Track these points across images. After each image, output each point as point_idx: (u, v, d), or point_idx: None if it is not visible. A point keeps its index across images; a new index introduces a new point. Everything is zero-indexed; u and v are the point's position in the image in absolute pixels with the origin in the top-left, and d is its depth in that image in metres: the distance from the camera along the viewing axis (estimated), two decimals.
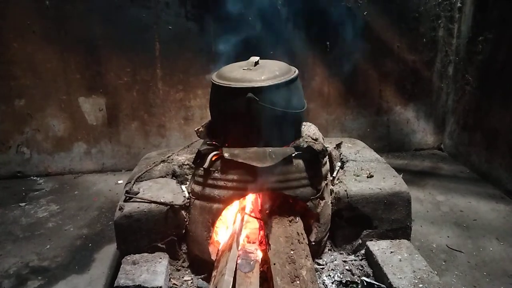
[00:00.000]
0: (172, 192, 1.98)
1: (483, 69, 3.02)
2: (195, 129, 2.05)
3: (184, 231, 1.94)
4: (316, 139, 1.99)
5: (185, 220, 1.94)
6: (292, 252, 1.69)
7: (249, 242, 1.93)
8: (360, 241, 2.04)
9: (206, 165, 1.83)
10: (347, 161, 2.31)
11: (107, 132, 3.26)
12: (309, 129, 2.12)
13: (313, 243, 1.91)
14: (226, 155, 1.78)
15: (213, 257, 1.88)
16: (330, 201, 2.01)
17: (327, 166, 2.07)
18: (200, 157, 1.89)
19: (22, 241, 2.40)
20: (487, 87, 2.99)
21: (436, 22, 3.29)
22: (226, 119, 1.90)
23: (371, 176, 2.12)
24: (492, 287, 1.91)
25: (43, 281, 2.06)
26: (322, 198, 1.92)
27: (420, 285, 1.68)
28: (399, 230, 2.04)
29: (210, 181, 1.84)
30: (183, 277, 1.92)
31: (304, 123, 2.14)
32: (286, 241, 1.74)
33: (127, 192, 1.96)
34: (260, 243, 1.89)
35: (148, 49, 3.11)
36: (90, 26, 3.02)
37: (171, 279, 1.87)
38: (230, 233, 1.91)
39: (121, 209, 1.88)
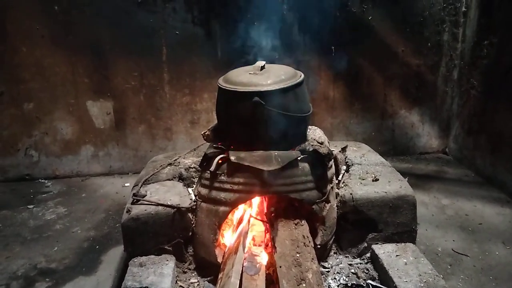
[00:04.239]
0: (179, 195, 2.00)
1: (488, 73, 3.03)
2: (202, 133, 2.07)
3: (190, 233, 1.96)
4: (321, 143, 2.00)
5: (192, 222, 1.95)
6: (298, 255, 1.70)
7: (255, 245, 1.94)
8: (365, 244, 2.05)
9: (212, 168, 1.85)
10: (352, 164, 2.33)
11: (115, 135, 3.30)
12: (315, 133, 2.14)
13: (319, 246, 1.92)
14: (232, 158, 1.80)
15: (220, 260, 1.89)
16: (335, 205, 2.02)
17: (333, 169, 2.08)
18: (206, 160, 1.91)
19: (30, 243, 2.43)
20: (492, 91, 2.99)
21: (441, 27, 3.30)
22: (233, 123, 1.92)
23: (377, 180, 2.13)
24: None
25: (51, 282, 2.08)
26: (328, 201, 1.93)
27: None
28: (405, 234, 2.04)
29: (216, 184, 1.86)
30: (189, 280, 1.93)
31: (309, 126, 2.15)
32: (292, 244, 1.74)
33: (134, 194, 1.98)
34: (266, 245, 1.90)
35: (155, 54, 3.14)
36: (98, 30, 3.06)
37: (177, 282, 1.88)
38: (236, 236, 1.93)
39: (128, 211, 1.90)
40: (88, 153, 3.32)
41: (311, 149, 1.89)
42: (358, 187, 2.06)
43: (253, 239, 1.97)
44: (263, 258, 1.83)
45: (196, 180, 2.19)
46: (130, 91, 3.21)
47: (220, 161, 1.86)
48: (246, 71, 1.95)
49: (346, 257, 2.06)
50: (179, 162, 2.30)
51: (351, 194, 2.02)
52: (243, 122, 1.85)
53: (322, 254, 1.99)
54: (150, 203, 1.92)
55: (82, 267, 2.19)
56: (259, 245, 1.93)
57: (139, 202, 1.94)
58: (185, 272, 1.96)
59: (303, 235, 1.80)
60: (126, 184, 3.16)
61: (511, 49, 2.77)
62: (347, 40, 3.24)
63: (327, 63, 3.29)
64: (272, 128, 1.82)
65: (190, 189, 2.10)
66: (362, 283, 1.87)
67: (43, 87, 3.13)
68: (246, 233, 1.92)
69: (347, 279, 1.89)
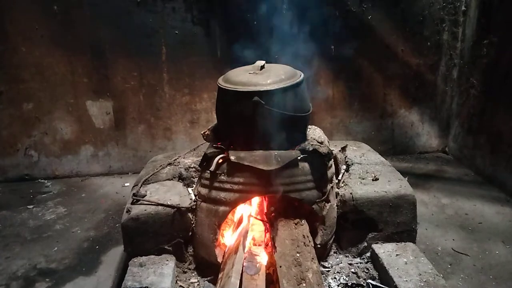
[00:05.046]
0: (179, 195, 2.00)
1: (487, 72, 3.03)
2: (202, 132, 2.07)
3: (190, 233, 1.96)
4: (321, 142, 2.00)
5: (192, 222, 1.95)
6: (298, 254, 1.70)
7: (255, 245, 1.94)
8: (365, 243, 2.05)
9: (212, 168, 1.85)
10: (352, 164, 2.33)
11: (114, 135, 3.29)
12: (315, 132, 2.14)
13: (319, 246, 1.92)
14: (232, 158, 1.80)
15: (220, 260, 1.89)
16: (335, 204, 2.02)
17: (333, 169, 2.08)
18: (206, 160, 1.91)
19: (30, 243, 2.42)
20: (492, 90, 2.99)
21: (440, 26, 3.30)
22: (232, 123, 1.92)
23: (377, 179, 2.13)
24: None
25: (51, 283, 2.08)
26: (328, 201, 1.93)
27: None
28: (405, 233, 2.04)
29: (216, 184, 1.86)
30: (189, 279, 1.93)
31: (309, 126, 2.15)
32: (292, 244, 1.75)
33: (134, 194, 1.98)
34: (266, 245, 1.90)
35: (154, 53, 3.14)
36: (97, 30, 3.05)
37: (177, 281, 1.89)
38: (236, 236, 1.93)
39: (128, 211, 1.90)
40: (87, 153, 3.31)
41: (311, 149, 1.89)
42: (358, 187, 2.06)
43: (253, 238, 1.97)
44: (263, 258, 1.83)
45: (196, 180, 2.19)
46: (130, 91, 3.21)
47: (220, 161, 1.86)
48: (246, 71, 1.95)
49: (346, 256, 2.06)
50: (178, 162, 2.30)
51: (351, 193, 2.02)
52: (243, 121, 1.85)
53: (322, 254, 1.99)
54: (150, 203, 1.92)
55: (82, 267, 2.19)
56: (259, 245, 1.93)
57: (139, 202, 1.94)
58: (185, 272, 1.96)
59: (303, 235, 1.80)
60: (126, 184, 3.15)
61: (511, 49, 2.77)
62: (347, 39, 3.24)
63: (327, 62, 3.29)
64: (272, 127, 1.82)
65: (190, 189, 2.10)
66: (362, 283, 1.87)
67: (42, 87, 3.13)
68: (246, 232, 1.92)
69: (347, 279, 1.90)
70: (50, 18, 3.00)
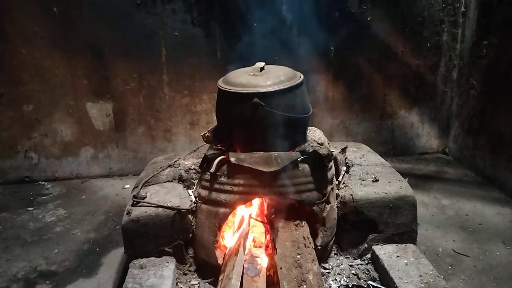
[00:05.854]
0: (179, 197, 2.00)
1: (487, 73, 3.03)
2: (202, 134, 2.07)
3: (191, 235, 1.96)
4: (321, 144, 2.00)
5: (192, 224, 1.95)
6: (298, 256, 1.70)
7: (255, 247, 1.94)
8: (366, 245, 2.05)
9: (212, 169, 1.85)
10: (352, 165, 2.33)
11: (114, 137, 3.29)
12: (314, 134, 2.14)
13: (319, 247, 1.92)
14: (232, 159, 1.80)
15: (220, 261, 1.89)
16: (335, 205, 2.02)
17: (333, 170, 2.08)
18: (206, 161, 1.91)
19: (30, 245, 2.42)
20: (492, 91, 2.99)
21: (440, 27, 3.31)
22: (232, 124, 1.92)
23: (377, 180, 2.13)
24: None
25: (51, 285, 2.08)
26: (328, 202, 1.93)
27: None
28: (405, 234, 2.04)
29: (216, 186, 1.86)
30: (190, 281, 1.93)
31: (309, 127, 2.15)
32: (292, 245, 1.75)
33: (134, 196, 1.98)
34: (267, 247, 1.90)
35: (154, 55, 3.14)
36: (97, 32, 3.05)
37: (178, 283, 1.88)
38: (236, 237, 1.93)
39: (128, 213, 1.90)
40: (87, 155, 3.31)
41: (311, 150, 1.89)
42: (358, 188, 2.06)
43: (254, 240, 1.97)
44: (263, 260, 1.83)
45: (196, 181, 2.19)
46: (130, 93, 3.21)
47: (220, 163, 1.86)
48: (245, 72, 1.95)
49: (347, 258, 2.06)
50: (179, 164, 2.30)
51: (351, 195, 2.02)
52: (243, 123, 1.85)
53: (322, 255, 1.99)
54: (150, 205, 1.92)
55: (82, 269, 2.19)
56: (260, 247, 1.93)
57: (139, 204, 1.94)
58: (185, 274, 1.96)
59: (303, 236, 1.80)
60: (126, 186, 3.15)
61: (511, 49, 2.78)
62: (347, 40, 3.24)
63: (327, 63, 3.29)
64: (272, 129, 1.82)
65: (190, 191, 2.10)
66: (362, 284, 1.87)
67: (42, 88, 3.13)
68: (247, 234, 1.92)
69: (347, 280, 1.89)
70: (50, 19, 3.00)
